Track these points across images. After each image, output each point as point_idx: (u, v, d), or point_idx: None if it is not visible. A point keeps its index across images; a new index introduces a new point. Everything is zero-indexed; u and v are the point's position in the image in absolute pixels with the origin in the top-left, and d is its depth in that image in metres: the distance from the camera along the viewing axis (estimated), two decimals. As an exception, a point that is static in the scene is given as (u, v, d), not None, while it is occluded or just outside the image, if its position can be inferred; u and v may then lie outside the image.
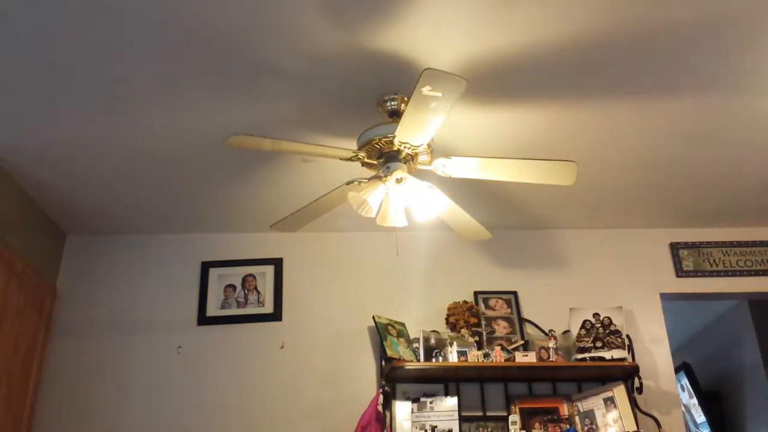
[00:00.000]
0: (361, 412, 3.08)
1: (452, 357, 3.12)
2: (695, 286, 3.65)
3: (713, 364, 5.09)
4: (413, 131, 2.31)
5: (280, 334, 3.45)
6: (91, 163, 3.01)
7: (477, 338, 3.30)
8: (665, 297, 3.61)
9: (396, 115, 2.54)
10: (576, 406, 3.22)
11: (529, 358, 3.16)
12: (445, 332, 3.32)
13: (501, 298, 3.56)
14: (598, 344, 3.23)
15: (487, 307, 3.52)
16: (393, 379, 3.22)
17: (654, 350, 3.45)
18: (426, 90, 2.04)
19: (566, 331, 3.36)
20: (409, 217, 2.61)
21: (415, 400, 3.17)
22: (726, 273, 3.67)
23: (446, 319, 3.41)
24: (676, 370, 4.75)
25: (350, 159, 2.53)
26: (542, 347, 3.22)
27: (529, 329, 3.48)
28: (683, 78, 2.57)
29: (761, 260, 3.69)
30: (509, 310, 3.52)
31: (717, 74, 2.55)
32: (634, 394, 3.18)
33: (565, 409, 3.22)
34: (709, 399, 5.04)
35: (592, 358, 3.19)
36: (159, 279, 3.57)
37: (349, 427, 3.09)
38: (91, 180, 3.14)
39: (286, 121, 2.74)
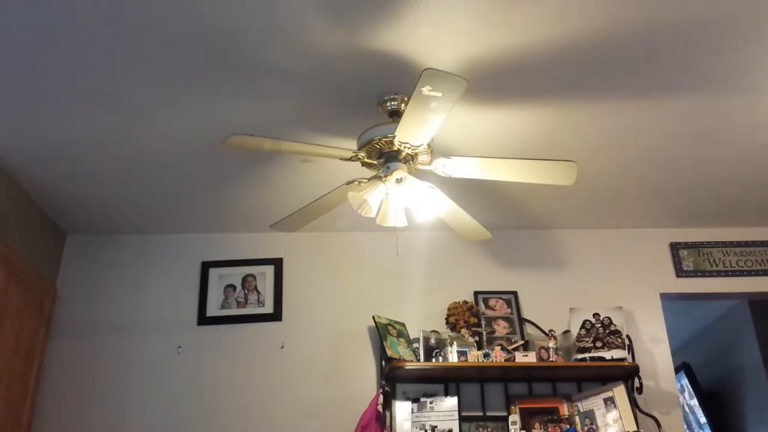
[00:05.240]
0: (361, 412, 3.08)
1: (452, 357, 3.12)
2: (695, 286, 3.64)
3: (713, 365, 5.09)
4: (413, 131, 2.31)
5: (280, 334, 3.45)
6: (91, 163, 3.01)
7: (477, 338, 3.30)
8: (665, 297, 3.61)
9: (396, 115, 2.54)
10: (576, 406, 3.22)
11: (529, 358, 3.16)
12: (445, 332, 3.32)
13: (501, 298, 3.56)
14: (598, 344, 3.23)
15: (487, 307, 3.52)
16: (393, 379, 3.21)
17: (654, 350, 3.45)
18: (426, 90, 2.04)
19: (566, 331, 3.36)
20: (409, 217, 2.61)
21: (415, 400, 3.17)
22: (726, 273, 3.66)
23: (446, 319, 3.41)
24: (676, 371, 4.75)
25: (350, 159, 2.53)
26: (542, 347, 3.22)
27: (529, 329, 3.48)
28: (683, 77, 2.57)
29: (761, 260, 3.69)
30: (509, 310, 3.52)
31: (717, 74, 2.55)
32: (634, 394, 3.18)
33: (565, 409, 3.22)
34: (709, 399, 5.04)
35: (592, 358, 3.18)
36: (159, 279, 3.57)
37: (349, 427, 3.09)
38: (91, 180, 3.14)
39: (286, 121, 2.74)
